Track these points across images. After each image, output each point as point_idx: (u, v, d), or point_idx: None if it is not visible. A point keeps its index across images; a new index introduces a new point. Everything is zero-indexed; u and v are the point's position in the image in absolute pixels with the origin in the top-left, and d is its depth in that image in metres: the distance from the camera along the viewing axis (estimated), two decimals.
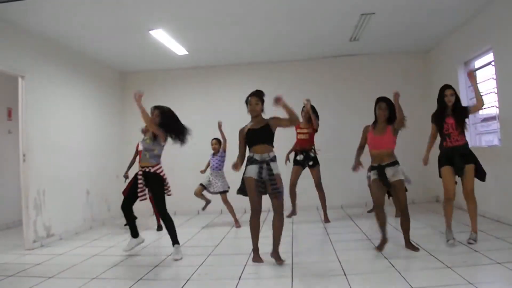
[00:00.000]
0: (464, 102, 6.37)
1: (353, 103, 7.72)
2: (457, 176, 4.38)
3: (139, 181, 4.56)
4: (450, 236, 4.35)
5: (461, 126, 4.36)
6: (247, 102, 4.33)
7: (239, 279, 3.62)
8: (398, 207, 4.43)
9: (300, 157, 6.33)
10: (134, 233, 4.77)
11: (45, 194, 5.68)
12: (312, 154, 6.33)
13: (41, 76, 5.75)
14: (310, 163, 6.29)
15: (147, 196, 4.69)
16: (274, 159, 4.15)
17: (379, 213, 4.31)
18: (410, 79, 7.77)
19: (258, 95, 4.30)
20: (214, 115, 8.13)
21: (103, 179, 7.35)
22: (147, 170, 4.58)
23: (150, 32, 5.91)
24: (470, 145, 6.18)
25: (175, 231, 4.57)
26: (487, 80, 5.80)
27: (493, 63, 5.46)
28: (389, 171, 4.24)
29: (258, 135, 4.16)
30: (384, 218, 4.29)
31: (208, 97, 8.24)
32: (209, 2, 5.07)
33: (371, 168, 4.45)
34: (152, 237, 5.52)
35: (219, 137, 6.61)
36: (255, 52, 7.37)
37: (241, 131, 4.32)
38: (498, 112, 5.38)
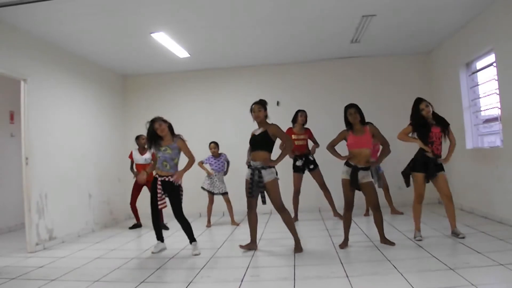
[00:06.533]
0: (466, 104, 6.38)
1: None
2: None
3: (159, 190, 4.77)
4: (418, 235, 4.73)
5: (444, 136, 4.67)
6: (251, 110, 4.67)
7: (241, 281, 3.62)
8: (371, 207, 4.64)
9: (299, 163, 6.47)
10: (160, 238, 5.08)
11: (48, 197, 5.69)
12: (311, 158, 6.45)
13: (43, 79, 5.77)
14: (311, 166, 6.40)
15: (167, 203, 4.86)
16: (266, 167, 4.48)
17: (347, 215, 4.62)
18: (411, 81, 7.76)
19: (260, 102, 4.65)
20: (217, 118, 8.18)
21: (105, 183, 7.36)
22: (166, 179, 4.77)
23: (152, 35, 5.92)
24: (472, 146, 6.26)
25: (191, 230, 4.87)
26: (488, 81, 5.79)
27: (494, 64, 5.45)
28: (360, 174, 4.51)
29: (256, 142, 4.60)
30: (350, 221, 4.65)
31: (210, 100, 8.24)
32: (211, 5, 5.08)
33: (347, 165, 4.60)
34: (154, 240, 5.52)
35: (218, 140, 6.89)
36: (257, 54, 7.38)
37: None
38: (500, 113, 5.37)
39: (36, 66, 5.66)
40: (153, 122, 4.85)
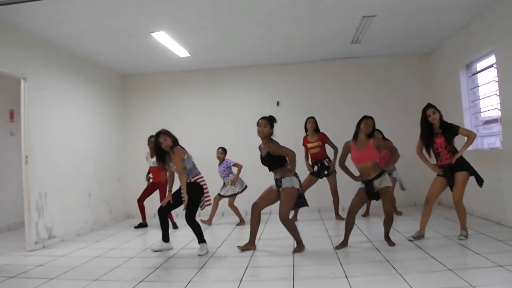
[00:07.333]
0: (466, 105, 6.38)
1: (354, 105, 7.72)
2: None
3: (182, 195, 4.73)
4: (414, 235, 4.72)
5: (450, 144, 4.55)
6: (257, 124, 4.62)
7: (241, 281, 3.62)
8: (384, 213, 4.57)
9: (315, 168, 6.49)
10: (165, 238, 4.97)
11: (47, 196, 5.69)
12: (326, 163, 6.45)
13: (43, 78, 5.77)
14: (325, 172, 6.43)
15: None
16: (284, 176, 4.53)
17: (349, 218, 4.59)
18: (412, 82, 7.77)
19: (268, 118, 4.61)
20: (217, 118, 8.18)
21: (105, 182, 7.36)
22: (187, 180, 4.74)
23: (152, 34, 5.92)
24: (471, 148, 6.22)
25: (201, 233, 4.79)
26: (489, 82, 5.79)
27: (495, 65, 5.46)
28: (376, 182, 4.47)
29: (265, 163, 4.66)
30: (352, 224, 4.61)
31: (210, 100, 8.24)
32: (211, 5, 5.08)
33: (362, 181, 4.61)
34: (155, 238, 5.53)
35: (222, 144, 6.93)
36: (258, 54, 7.38)
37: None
38: (500, 114, 5.37)
39: (36, 65, 5.66)
40: (157, 136, 4.74)
